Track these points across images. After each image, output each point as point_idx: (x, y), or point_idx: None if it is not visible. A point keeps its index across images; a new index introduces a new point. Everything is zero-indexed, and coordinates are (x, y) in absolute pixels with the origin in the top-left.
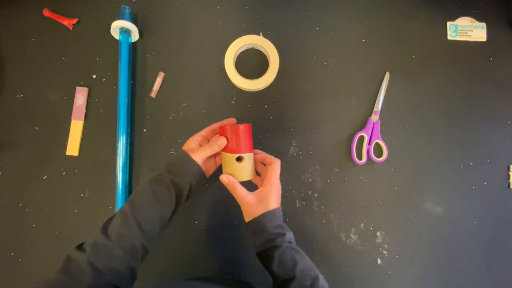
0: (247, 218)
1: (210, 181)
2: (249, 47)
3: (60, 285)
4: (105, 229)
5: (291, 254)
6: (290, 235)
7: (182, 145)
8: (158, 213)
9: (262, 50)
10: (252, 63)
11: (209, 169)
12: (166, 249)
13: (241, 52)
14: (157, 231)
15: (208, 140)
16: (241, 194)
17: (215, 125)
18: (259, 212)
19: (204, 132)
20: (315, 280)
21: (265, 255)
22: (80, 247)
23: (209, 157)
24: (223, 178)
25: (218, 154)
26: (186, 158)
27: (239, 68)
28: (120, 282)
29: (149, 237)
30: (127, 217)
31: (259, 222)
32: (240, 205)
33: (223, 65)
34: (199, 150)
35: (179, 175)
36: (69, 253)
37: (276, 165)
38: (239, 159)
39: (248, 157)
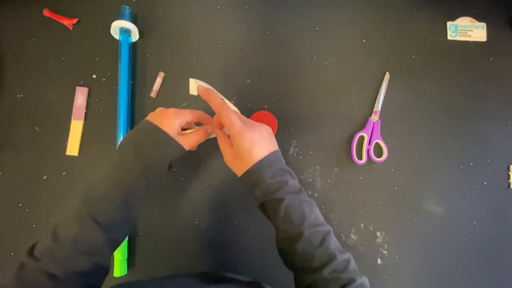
0: (237, 173)
1: (211, 180)
2: None
3: None
4: (55, 234)
5: (300, 207)
6: (293, 182)
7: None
8: (122, 211)
9: None
10: None
11: None
12: (166, 249)
13: None
14: (124, 223)
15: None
16: (222, 148)
17: (202, 114)
18: (245, 166)
19: (191, 116)
20: (326, 236)
21: (269, 208)
22: (31, 252)
23: None
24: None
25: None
26: (172, 144)
27: None
28: (89, 281)
29: (114, 231)
30: (82, 218)
31: (249, 175)
32: (225, 161)
33: (223, 65)
34: (191, 136)
35: (158, 162)
36: (22, 259)
37: (225, 110)
38: None
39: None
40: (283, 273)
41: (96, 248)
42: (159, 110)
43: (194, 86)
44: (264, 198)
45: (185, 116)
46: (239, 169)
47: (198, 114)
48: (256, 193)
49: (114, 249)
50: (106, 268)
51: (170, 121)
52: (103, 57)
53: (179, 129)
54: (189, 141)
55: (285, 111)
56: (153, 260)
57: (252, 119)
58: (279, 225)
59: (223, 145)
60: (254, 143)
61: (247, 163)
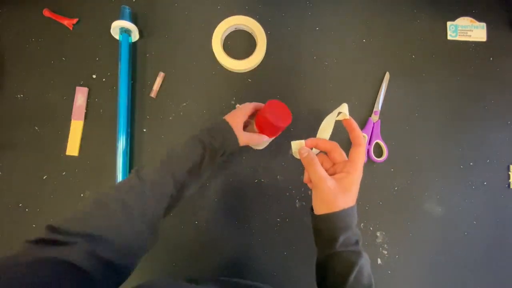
0: (323, 209)
1: (211, 181)
2: (236, 28)
3: (92, 217)
4: (139, 174)
5: (368, 268)
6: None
7: None
8: (190, 165)
9: (248, 30)
10: (239, 45)
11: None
12: (166, 249)
13: (229, 34)
14: (187, 183)
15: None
16: (322, 175)
17: (257, 105)
18: (342, 204)
19: (250, 111)
20: None
21: (341, 261)
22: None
23: None
24: (303, 151)
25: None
26: (231, 135)
27: (226, 50)
28: (146, 229)
29: (179, 188)
30: (161, 165)
31: (343, 217)
32: (315, 188)
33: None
34: (247, 134)
35: (218, 143)
36: (101, 191)
37: (364, 148)
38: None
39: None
40: (283, 273)
41: (163, 197)
42: (233, 111)
43: (297, 147)
44: (345, 247)
45: (247, 112)
46: (334, 204)
47: (255, 106)
48: (340, 238)
49: (168, 213)
50: (157, 231)
51: (236, 115)
52: (103, 57)
53: (242, 126)
54: (244, 137)
55: None
56: (153, 260)
57: (265, 108)
58: (351, 283)
59: (323, 172)
60: (358, 184)
61: (348, 201)
